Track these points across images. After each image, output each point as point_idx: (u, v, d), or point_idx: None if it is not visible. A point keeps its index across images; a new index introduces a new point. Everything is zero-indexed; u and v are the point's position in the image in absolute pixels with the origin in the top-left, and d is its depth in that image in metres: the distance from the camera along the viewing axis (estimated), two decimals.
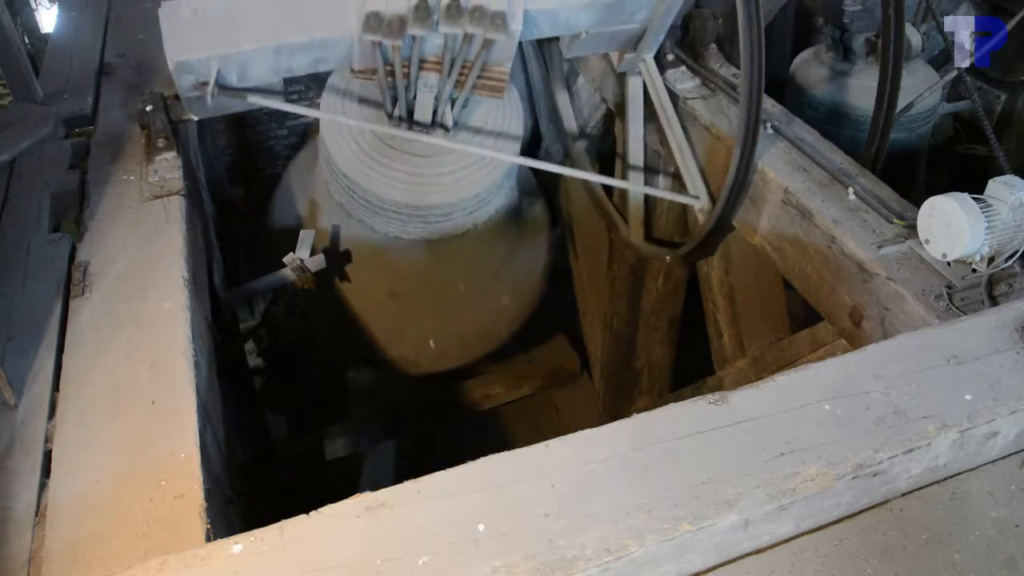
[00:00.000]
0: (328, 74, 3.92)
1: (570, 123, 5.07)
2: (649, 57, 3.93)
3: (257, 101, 3.44)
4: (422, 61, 3.43)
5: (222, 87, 3.25)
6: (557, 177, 5.25)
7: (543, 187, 5.25)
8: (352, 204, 4.21)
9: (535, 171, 5.27)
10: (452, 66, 3.43)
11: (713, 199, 3.93)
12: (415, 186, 4.02)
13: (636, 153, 4.33)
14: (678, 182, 4.16)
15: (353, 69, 3.56)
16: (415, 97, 3.63)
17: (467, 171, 4.04)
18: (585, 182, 4.95)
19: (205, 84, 3.20)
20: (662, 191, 4.31)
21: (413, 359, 4.96)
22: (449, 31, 3.18)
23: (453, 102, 3.73)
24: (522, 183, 4.88)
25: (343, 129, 3.96)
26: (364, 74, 3.57)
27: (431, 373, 5.10)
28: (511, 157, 4.02)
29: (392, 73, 3.46)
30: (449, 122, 3.77)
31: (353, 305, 4.63)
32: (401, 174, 3.98)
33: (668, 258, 4.51)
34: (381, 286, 4.56)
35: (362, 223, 4.26)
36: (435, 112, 3.69)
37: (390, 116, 3.72)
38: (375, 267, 4.45)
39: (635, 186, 4.38)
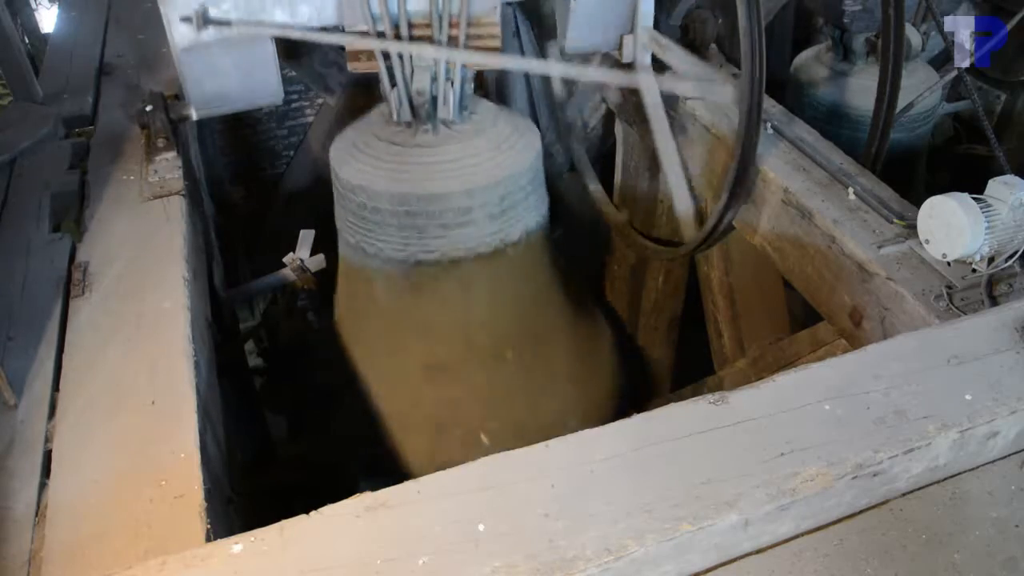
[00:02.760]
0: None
1: (570, 123, 5.07)
2: (646, 62, 3.92)
3: (246, 31, 3.37)
4: (411, 26, 3.42)
5: (213, 20, 3.25)
6: (557, 177, 5.25)
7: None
8: (363, 229, 3.77)
9: None
10: (440, 23, 3.42)
11: (702, 216, 3.93)
12: (425, 175, 3.64)
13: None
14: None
15: (350, 63, 3.57)
16: (413, 74, 3.57)
17: (483, 157, 3.70)
18: (585, 182, 4.95)
19: (203, 14, 3.20)
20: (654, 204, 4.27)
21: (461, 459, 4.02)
22: None
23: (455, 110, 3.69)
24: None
25: (348, 149, 3.82)
26: (361, 64, 3.56)
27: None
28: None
29: (387, 55, 3.45)
30: (451, 111, 3.66)
31: (373, 388, 3.84)
32: (409, 165, 3.69)
33: (667, 258, 4.51)
34: (410, 351, 3.81)
35: (377, 257, 3.76)
36: (435, 100, 3.63)
37: (393, 114, 3.69)
38: (399, 321, 3.77)
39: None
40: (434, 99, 3.62)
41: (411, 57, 3.51)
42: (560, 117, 5.07)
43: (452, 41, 3.50)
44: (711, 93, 3.66)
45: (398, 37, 3.45)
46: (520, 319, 3.99)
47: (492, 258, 3.79)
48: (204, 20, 3.24)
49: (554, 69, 4.52)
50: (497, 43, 3.58)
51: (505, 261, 3.83)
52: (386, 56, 3.49)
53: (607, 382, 4.32)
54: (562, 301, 4.20)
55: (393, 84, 3.59)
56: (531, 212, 3.91)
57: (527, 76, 5.08)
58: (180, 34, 3.27)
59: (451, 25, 3.45)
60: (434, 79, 3.58)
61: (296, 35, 3.53)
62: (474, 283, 3.82)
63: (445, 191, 3.63)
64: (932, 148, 5.09)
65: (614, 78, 4.02)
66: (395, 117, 3.67)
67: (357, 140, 3.79)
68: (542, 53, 4.93)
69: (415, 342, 3.88)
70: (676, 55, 3.72)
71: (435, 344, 3.88)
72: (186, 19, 3.22)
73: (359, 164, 3.73)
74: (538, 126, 5.26)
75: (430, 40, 3.46)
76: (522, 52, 4.93)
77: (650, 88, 3.93)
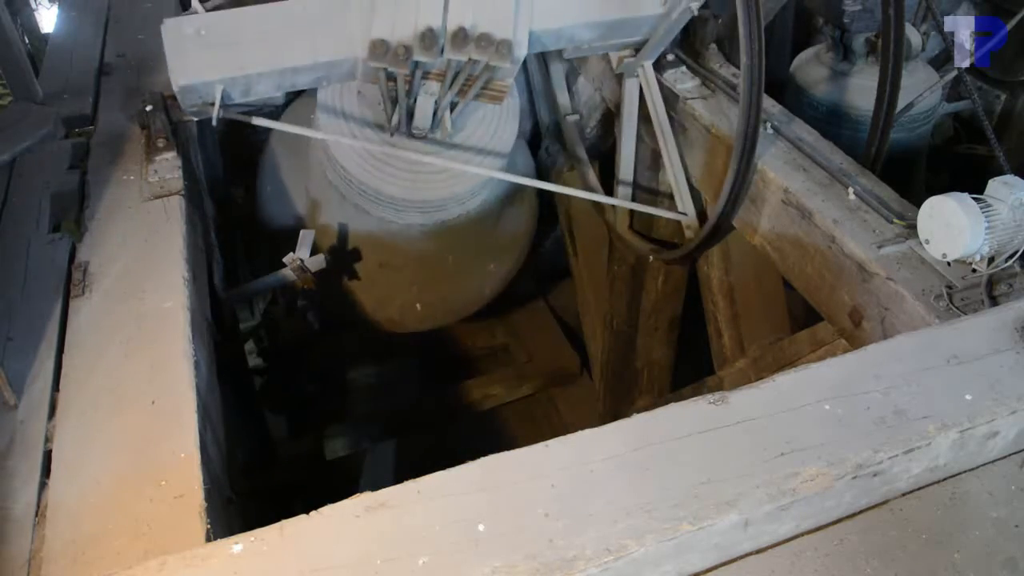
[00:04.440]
0: None
1: (570, 123, 5.07)
2: (648, 64, 3.94)
3: (262, 123, 3.53)
4: (425, 73, 3.44)
5: (226, 106, 3.29)
6: (557, 177, 5.26)
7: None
8: (348, 190, 4.29)
9: (537, 170, 5.30)
10: (455, 80, 3.44)
11: (702, 214, 3.97)
12: (413, 182, 4.07)
13: (627, 159, 4.39)
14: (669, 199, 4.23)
15: None
16: (415, 102, 3.64)
17: (469, 163, 4.07)
18: (585, 182, 4.95)
19: (210, 104, 3.23)
20: (649, 208, 4.36)
21: (399, 321, 5.12)
22: (455, 58, 3.19)
23: (453, 107, 3.74)
24: (515, 169, 4.90)
25: (345, 129, 3.96)
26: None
27: (415, 332, 5.36)
28: (499, 174, 4.13)
29: (394, 79, 3.46)
30: (448, 127, 3.79)
31: (344, 276, 4.76)
32: (399, 171, 4.03)
33: (666, 259, 4.51)
34: (371, 258, 4.69)
35: (356, 207, 4.35)
36: (435, 116, 3.70)
37: (390, 122, 3.74)
38: (367, 243, 4.60)
39: (622, 201, 4.47)
40: (433, 115, 3.70)
41: (418, 85, 3.53)
42: (560, 117, 5.07)
43: (463, 91, 3.55)
44: None
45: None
46: (464, 240, 4.79)
47: (454, 220, 4.48)
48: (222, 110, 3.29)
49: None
50: (505, 94, 3.62)
51: (464, 219, 4.54)
52: (390, 77, 3.49)
53: (519, 253, 5.28)
54: (501, 218, 4.97)
55: (395, 105, 3.62)
56: (494, 186, 4.52)
57: (527, 76, 5.08)
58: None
59: (467, 81, 3.47)
60: (436, 107, 3.66)
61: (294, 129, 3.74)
62: (433, 231, 4.54)
63: (425, 197, 4.19)
64: (932, 148, 5.09)
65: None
66: (390, 126, 3.78)
67: (356, 131, 3.98)
68: (542, 59, 4.94)
69: (375, 252, 4.67)
70: None
71: (387, 255, 4.71)
72: (204, 107, 3.28)
73: (353, 152, 4.04)
74: (538, 126, 5.29)
75: (441, 81, 3.48)
76: (524, 62, 4.95)
77: (651, 87, 3.94)
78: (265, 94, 3.38)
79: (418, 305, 5.02)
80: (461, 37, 3.09)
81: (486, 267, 5.17)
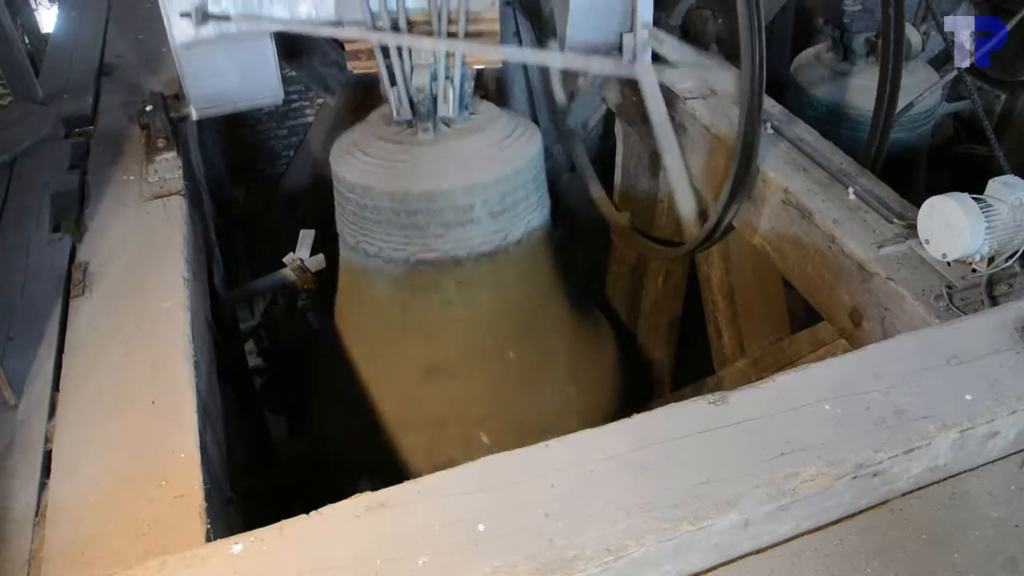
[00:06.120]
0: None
1: (570, 124, 5.07)
2: (647, 64, 3.93)
3: (245, 26, 3.37)
4: (410, 23, 3.43)
5: (212, 16, 3.27)
6: (557, 177, 5.25)
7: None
8: (363, 230, 3.77)
9: None
10: (439, 18, 3.43)
11: (702, 213, 3.95)
12: (426, 173, 3.64)
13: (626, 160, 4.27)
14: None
15: (349, 62, 3.59)
16: (412, 72, 3.57)
17: (484, 153, 3.70)
18: (586, 182, 4.95)
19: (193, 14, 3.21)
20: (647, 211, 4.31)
21: (461, 458, 4.09)
22: None
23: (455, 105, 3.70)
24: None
25: (348, 149, 3.83)
26: (361, 64, 3.57)
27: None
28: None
29: (387, 53, 3.47)
30: (451, 109, 3.65)
31: (371, 388, 3.86)
32: (410, 164, 3.68)
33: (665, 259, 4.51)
34: (410, 353, 3.82)
35: (378, 257, 3.75)
36: (435, 99, 3.65)
37: (393, 111, 3.69)
38: (400, 321, 3.79)
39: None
40: (434, 97, 3.63)
41: (410, 55, 3.51)
42: (560, 117, 5.08)
43: (451, 36, 3.50)
44: (712, 82, 3.67)
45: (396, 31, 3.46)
46: (520, 318, 3.99)
47: (493, 257, 3.77)
48: (203, 16, 3.24)
49: (555, 60, 4.54)
50: (496, 38, 3.58)
51: (506, 260, 3.81)
52: (385, 54, 3.49)
53: (607, 382, 4.32)
54: (562, 300, 4.20)
55: (393, 83, 3.59)
56: (533, 210, 3.90)
57: (527, 76, 5.08)
58: (180, 30, 3.28)
59: (450, 21, 3.46)
60: (434, 77, 3.58)
61: (295, 29, 3.54)
62: (475, 282, 3.80)
63: (446, 188, 3.61)
64: (932, 148, 5.09)
65: (615, 69, 4.01)
66: (395, 116, 3.68)
67: (358, 140, 3.80)
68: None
69: (416, 342, 3.88)
70: (674, 48, 3.72)
71: (435, 344, 3.87)
72: (185, 15, 3.23)
73: (359, 163, 3.73)
74: (538, 126, 5.28)
75: (429, 35, 3.47)
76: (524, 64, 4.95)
77: (651, 86, 3.93)
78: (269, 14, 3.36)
79: (484, 436, 3.79)
80: None
81: (562, 383, 4.07)
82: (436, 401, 3.87)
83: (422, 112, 3.65)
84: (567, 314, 4.23)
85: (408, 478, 1.83)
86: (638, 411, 2.02)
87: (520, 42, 4.81)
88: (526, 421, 3.88)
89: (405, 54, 3.50)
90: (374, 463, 3.89)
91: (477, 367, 3.90)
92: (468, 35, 3.51)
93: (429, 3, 3.42)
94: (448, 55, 3.54)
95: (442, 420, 3.85)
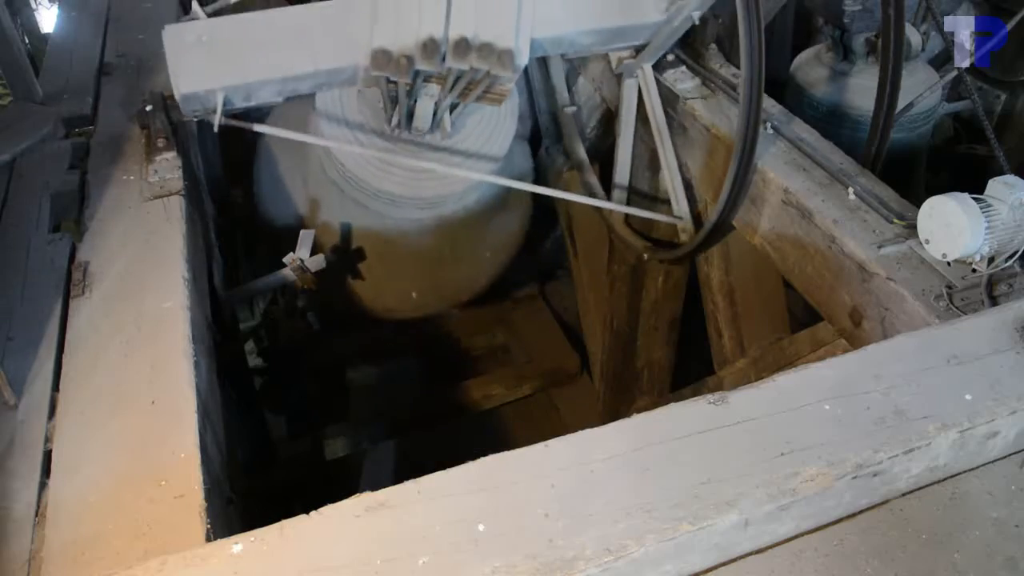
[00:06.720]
0: None
1: (570, 123, 5.07)
2: (647, 65, 3.94)
3: (264, 130, 3.55)
4: (427, 77, 3.43)
5: (228, 114, 3.31)
6: (556, 177, 5.25)
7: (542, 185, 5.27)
8: (347, 186, 4.36)
9: (537, 170, 5.30)
10: (455, 84, 3.44)
11: (698, 216, 4.00)
12: (411, 179, 4.14)
13: (625, 160, 4.41)
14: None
15: None
16: (416, 102, 3.64)
17: (459, 165, 4.12)
18: (585, 182, 4.95)
19: (212, 110, 3.25)
20: (644, 212, 4.38)
21: (395, 308, 5.30)
22: (456, 67, 3.18)
23: (453, 108, 3.75)
24: (513, 169, 4.96)
25: (343, 129, 3.96)
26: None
27: (411, 319, 5.58)
28: (494, 178, 4.17)
29: (395, 82, 3.47)
30: (448, 127, 3.81)
31: (344, 271, 4.87)
32: (398, 168, 4.08)
33: (664, 259, 4.51)
34: (369, 251, 4.81)
35: (355, 202, 4.43)
36: (434, 116, 3.71)
37: (389, 122, 3.75)
38: (366, 237, 4.71)
39: (618, 205, 4.48)
40: (433, 115, 3.72)
41: (420, 89, 3.54)
42: (560, 117, 5.07)
43: (464, 93, 3.55)
44: None
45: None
46: (459, 232, 4.92)
47: (449, 215, 4.64)
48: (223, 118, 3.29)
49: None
50: (505, 97, 3.60)
51: (460, 214, 4.69)
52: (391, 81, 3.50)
53: (514, 238, 5.39)
54: (497, 212, 5.06)
55: (395, 104, 3.63)
56: (490, 187, 4.60)
57: (527, 77, 5.08)
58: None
59: (468, 87, 3.47)
60: (436, 108, 3.67)
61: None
62: (430, 225, 4.70)
63: (422, 195, 4.28)
64: (932, 148, 5.09)
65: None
66: (390, 125, 3.81)
67: (355, 129, 3.99)
68: (542, 58, 4.95)
69: (372, 244, 4.80)
70: None
71: (383, 247, 4.83)
72: (207, 113, 3.29)
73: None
74: (538, 126, 5.29)
75: (442, 84, 3.48)
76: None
77: (650, 88, 3.94)
78: (266, 100, 3.39)
79: (414, 293, 5.22)
80: (463, 46, 3.07)
81: (481, 257, 5.33)
82: (382, 274, 4.97)
83: (417, 132, 3.82)
84: (496, 217, 5.15)
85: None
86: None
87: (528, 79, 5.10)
88: (444, 283, 5.31)
89: (416, 86, 3.51)
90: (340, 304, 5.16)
91: (414, 255, 4.96)
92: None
93: (448, 74, 3.34)
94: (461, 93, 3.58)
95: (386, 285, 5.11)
